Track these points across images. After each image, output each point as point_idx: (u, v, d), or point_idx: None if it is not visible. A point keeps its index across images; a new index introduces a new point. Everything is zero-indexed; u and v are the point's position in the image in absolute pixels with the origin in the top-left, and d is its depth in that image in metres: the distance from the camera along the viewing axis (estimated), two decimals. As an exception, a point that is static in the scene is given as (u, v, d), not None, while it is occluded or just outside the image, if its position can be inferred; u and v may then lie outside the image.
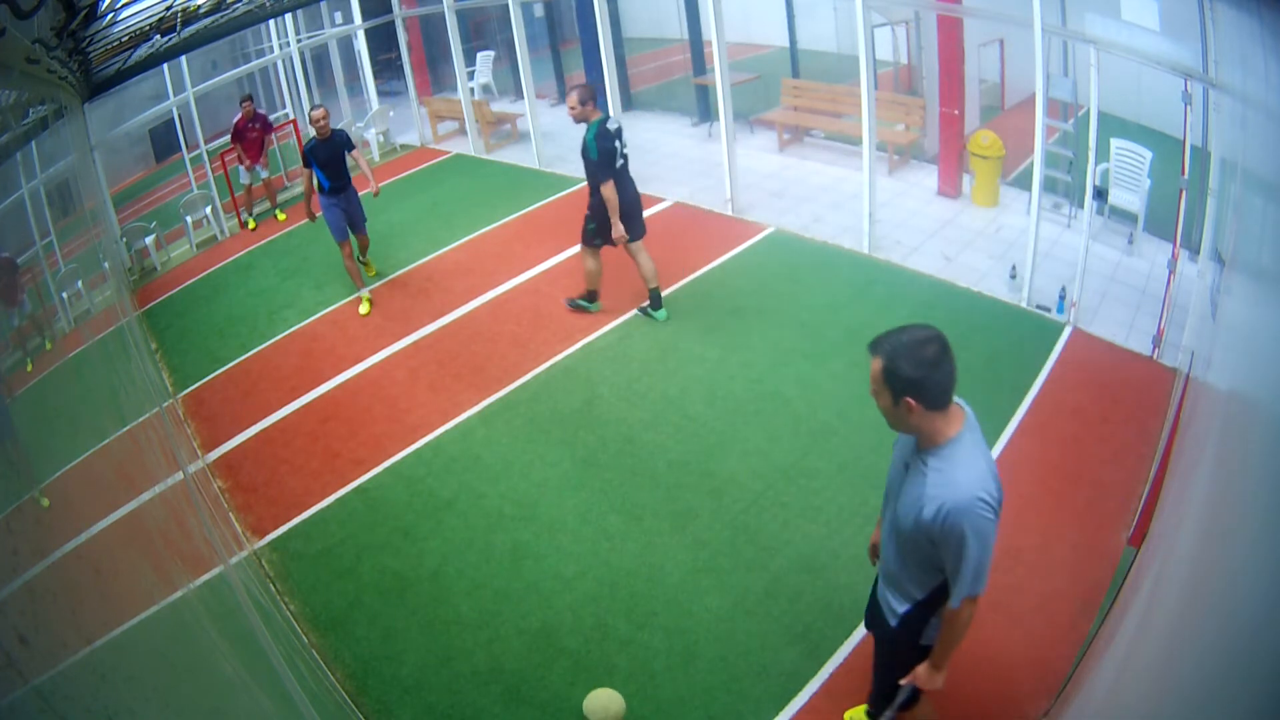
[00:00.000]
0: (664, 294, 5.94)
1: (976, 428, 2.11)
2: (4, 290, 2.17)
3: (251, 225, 8.80)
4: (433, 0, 10.30)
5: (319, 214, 6.37)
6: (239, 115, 8.42)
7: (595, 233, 5.51)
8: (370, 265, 7.04)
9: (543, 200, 8.19)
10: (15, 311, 2.26)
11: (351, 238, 6.52)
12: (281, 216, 8.93)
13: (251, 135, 8.44)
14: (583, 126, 5.25)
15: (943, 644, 2.21)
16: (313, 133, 6.11)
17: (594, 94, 5.19)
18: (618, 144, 5.22)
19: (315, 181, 6.23)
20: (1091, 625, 3.22)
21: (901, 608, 2.29)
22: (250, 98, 8.52)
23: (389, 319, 6.31)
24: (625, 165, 5.31)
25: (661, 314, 5.73)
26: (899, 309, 5.56)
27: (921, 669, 2.27)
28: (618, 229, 5.32)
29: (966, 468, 2.00)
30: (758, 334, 5.47)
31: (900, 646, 2.36)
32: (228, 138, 8.73)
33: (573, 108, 5.18)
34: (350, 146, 6.19)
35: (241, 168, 8.61)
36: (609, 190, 5.18)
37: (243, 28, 8.65)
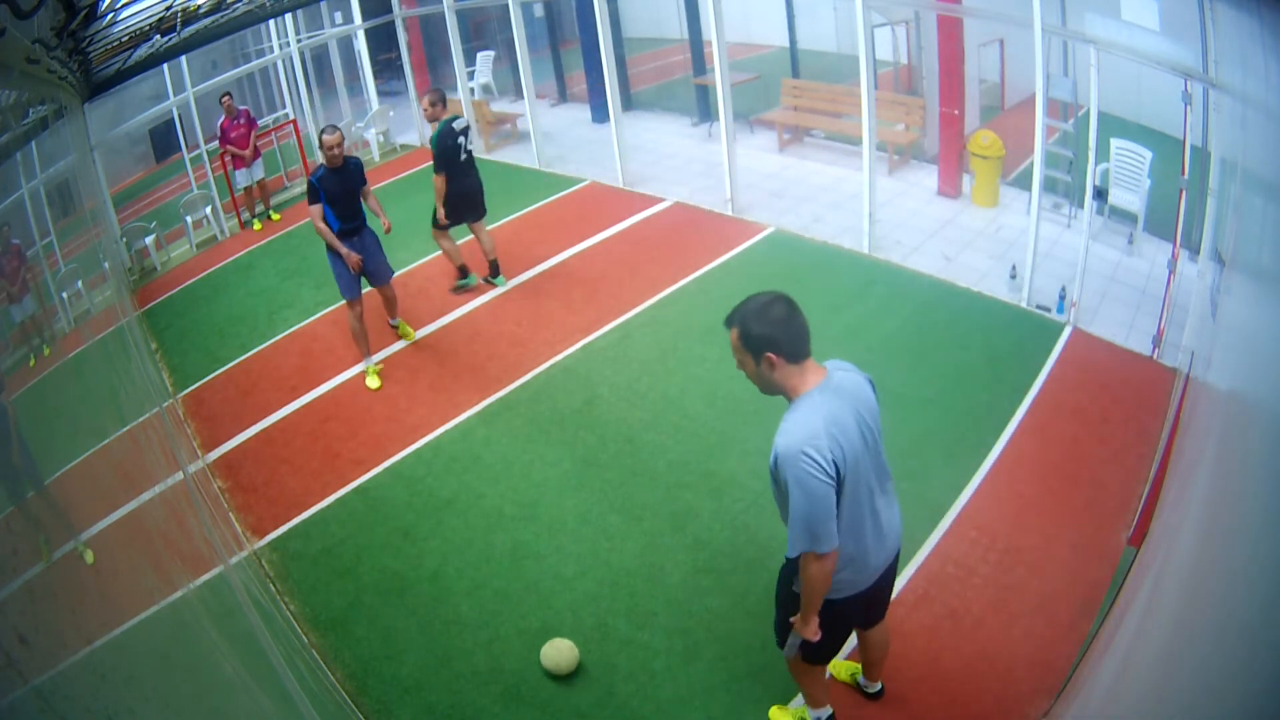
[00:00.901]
0: (667, 292, 6.05)
1: (844, 393, 2.20)
2: (11, 275, 2.18)
3: (257, 226, 8.74)
4: (433, 0, 10.30)
5: (344, 253, 5.11)
6: (221, 116, 8.33)
7: (439, 218, 6.22)
8: (404, 327, 5.93)
9: (543, 200, 8.19)
10: (21, 300, 2.26)
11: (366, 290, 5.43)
12: (275, 217, 8.91)
13: (236, 133, 8.37)
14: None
15: (802, 597, 2.30)
16: (321, 158, 5.13)
17: (443, 97, 6.01)
18: (461, 141, 5.98)
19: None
20: (1091, 625, 3.22)
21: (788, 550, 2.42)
22: (229, 94, 8.44)
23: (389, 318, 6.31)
24: (469, 160, 6.10)
25: (500, 280, 6.54)
26: (899, 309, 5.57)
27: (798, 616, 2.38)
28: (441, 213, 6.12)
29: (803, 420, 2.11)
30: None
31: (781, 584, 2.54)
32: (216, 143, 8.65)
33: (425, 110, 6.01)
34: (364, 181, 5.24)
35: (238, 171, 8.50)
36: (438, 181, 5.98)
37: (243, 28, 8.64)
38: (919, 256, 6.26)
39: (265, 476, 4.80)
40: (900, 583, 3.55)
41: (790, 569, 2.41)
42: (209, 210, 8.69)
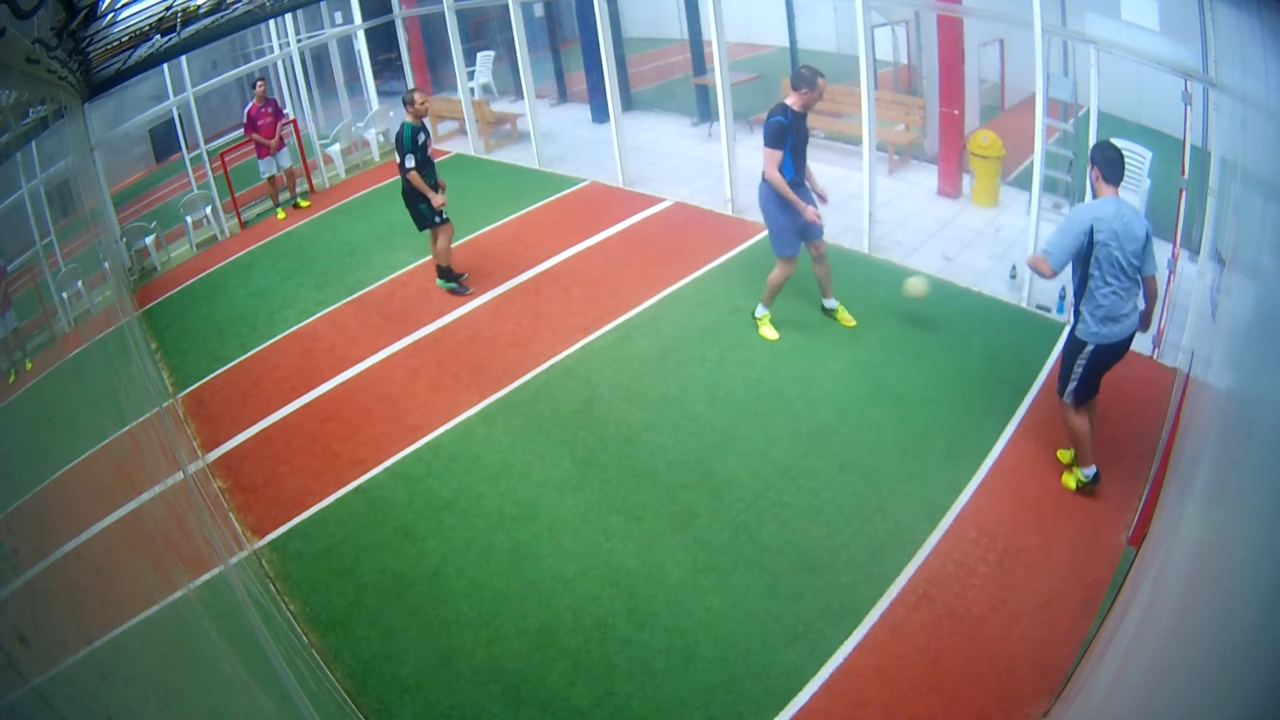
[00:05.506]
0: (667, 292, 6.04)
1: (1124, 207, 3.55)
2: None
3: (280, 215, 8.79)
4: (433, 0, 10.30)
5: (800, 206, 4.90)
6: (251, 101, 8.34)
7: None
8: (842, 311, 5.35)
9: (543, 200, 8.19)
10: (3, 315, 2.24)
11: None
12: (305, 204, 9.00)
13: (263, 121, 8.38)
14: None
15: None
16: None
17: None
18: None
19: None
20: (1091, 625, 3.22)
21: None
22: (264, 79, 8.45)
23: (389, 319, 6.31)
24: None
25: None
26: (899, 309, 5.56)
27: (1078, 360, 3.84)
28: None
29: (1089, 206, 3.64)
30: (758, 334, 5.47)
31: (1066, 345, 3.94)
32: (228, 137, 8.66)
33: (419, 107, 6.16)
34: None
35: (261, 160, 8.51)
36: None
37: (243, 28, 8.65)
38: (919, 256, 6.26)
39: (265, 476, 4.80)
40: (900, 582, 3.56)
41: (1073, 337, 3.80)
42: (209, 210, 8.68)
